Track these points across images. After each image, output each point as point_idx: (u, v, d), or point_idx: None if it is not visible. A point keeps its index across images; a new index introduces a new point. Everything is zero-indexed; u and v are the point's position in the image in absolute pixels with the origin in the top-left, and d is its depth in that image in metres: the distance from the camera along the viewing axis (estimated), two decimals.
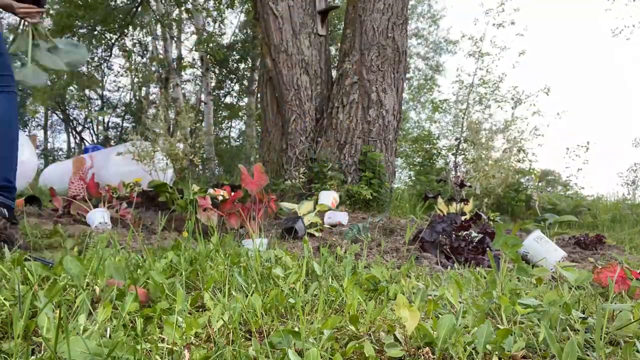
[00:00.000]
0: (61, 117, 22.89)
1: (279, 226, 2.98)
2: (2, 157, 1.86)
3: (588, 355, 0.90)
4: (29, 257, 1.27)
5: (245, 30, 14.59)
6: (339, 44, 4.92)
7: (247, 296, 1.14)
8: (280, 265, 1.45)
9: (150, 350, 0.78)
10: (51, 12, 9.87)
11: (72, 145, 23.28)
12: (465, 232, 2.42)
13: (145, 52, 14.42)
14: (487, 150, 5.27)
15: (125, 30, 10.92)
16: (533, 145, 5.64)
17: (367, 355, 0.81)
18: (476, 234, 2.44)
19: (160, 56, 13.33)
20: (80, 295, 0.94)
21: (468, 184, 4.70)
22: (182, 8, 10.99)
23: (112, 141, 17.80)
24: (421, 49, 18.77)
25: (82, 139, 22.81)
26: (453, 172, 6.02)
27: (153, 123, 5.10)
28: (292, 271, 1.36)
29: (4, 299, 0.93)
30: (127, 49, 12.00)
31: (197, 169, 10.08)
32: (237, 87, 16.91)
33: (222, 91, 16.96)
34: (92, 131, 22.81)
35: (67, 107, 20.82)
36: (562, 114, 6.08)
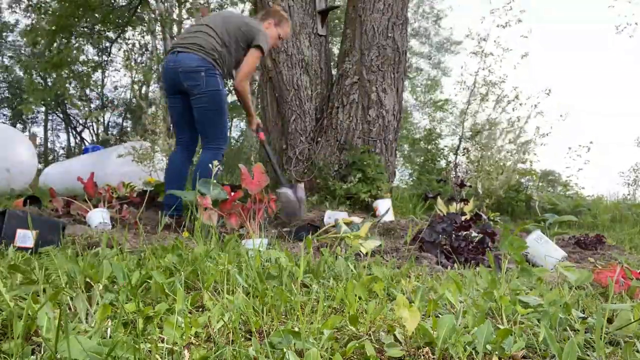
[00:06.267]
0: (61, 117, 22.90)
1: (280, 226, 2.98)
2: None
3: (588, 355, 0.90)
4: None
5: None
6: (340, 44, 4.91)
7: (247, 296, 1.14)
8: (280, 265, 1.45)
9: (150, 350, 0.78)
10: (49, 11, 9.85)
11: (72, 145, 23.30)
12: (465, 232, 2.42)
13: (145, 51, 14.43)
14: (490, 150, 5.26)
15: (125, 29, 10.93)
16: (537, 145, 5.64)
17: (367, 355, 0.81)
18: (476, 234, 2.44)
19: (161, 56, 13.31)
20: (80, 295, 0.94)
21: (468, 184, 4.69)
22: (184, 8, 11.00)
23: (112, 141, 17.82)
24: (425, 48, 18.82)
25: (82, 139, 22.84)
26: (453, 173, 6.02)
27: (152, 123, 5.11)
28: (292, 271, 1.36)
29: (4, 299, 0.93)
30: (127, 48, 12.02)
31: None
32: None
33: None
34: (92, 131, 22.83)
35: (67, 107, 20.84)
36: (565, 115, 6.06)
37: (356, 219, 2.87)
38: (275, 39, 3.15)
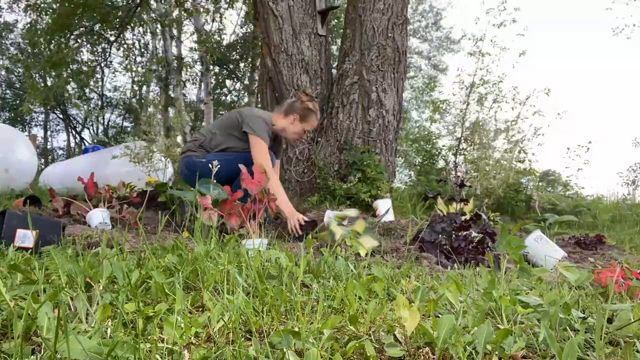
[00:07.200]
0: (61, 116, 22.91)
1: (280, 226, 2.98)
2: None
3: (588, 355, 0.90)
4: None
5: (246, 28, 14.59)
6: (340, 44, 4.91)
7: (247, 296, 1.13)
8: (280, 265, 1.45)
9: (150, 350, 0.78)
10: (49, 11, 9.86)
11: (72, 145, 23.31)
12: (465, 232, 2.42)
13: (144, 51, 14.42)
14: (488, 150, 5.27)
15: (125, 29, 10.92)
16: (533, 144, 5.65)
17: (367, 355, 0.81)
18: (476, 234, 2.44)
19: (160, 55, 13.32)
20: (80, 295, 0.94)
21: (468, 184, 4.69)
22: (182, 9, 10.99)
23: (112, 141, 17.84)
24: (424, 47, 18.82)
25: (82, 139, 22.84)
26: (453, 172, 6.02)
27: (150, 123, 5.12)
28: (292, 271, 1.36)
29: (4, 299, 0.93)
30: (126, 48, 12.01)
31: None
32: (237, 86, 16.93)
33: (223, 90, 16.95)
34: (92, 131, 22.84)
35: (67, 107, 20.84)
36: (562, 114, 6.08)
37: (351, 212, 2.89)
38: (300, 134, 3.10)
